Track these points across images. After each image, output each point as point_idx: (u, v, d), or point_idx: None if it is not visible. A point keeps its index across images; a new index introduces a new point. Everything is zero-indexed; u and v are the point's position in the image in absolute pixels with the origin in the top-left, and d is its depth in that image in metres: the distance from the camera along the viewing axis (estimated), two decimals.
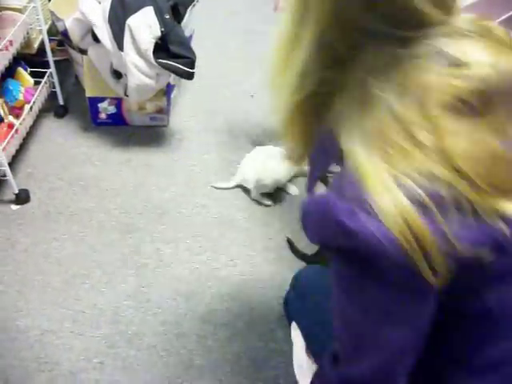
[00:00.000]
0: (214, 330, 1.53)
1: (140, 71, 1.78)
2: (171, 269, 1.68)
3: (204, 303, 1.59)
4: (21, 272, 1.63)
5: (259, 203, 1.90)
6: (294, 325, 1.32)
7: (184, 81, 2.03)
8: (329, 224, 0.61)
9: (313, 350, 1.21)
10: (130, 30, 1.75)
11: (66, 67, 2.28)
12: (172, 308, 1.57)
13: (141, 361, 1.44)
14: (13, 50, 1.76)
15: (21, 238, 1.73)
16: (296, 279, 1.38)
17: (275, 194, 1.92)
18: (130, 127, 2.13)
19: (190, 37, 2.15)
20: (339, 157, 0.65)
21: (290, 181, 1.95)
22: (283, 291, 1.61)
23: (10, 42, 1.73)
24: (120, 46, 1.78)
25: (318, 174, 0.77)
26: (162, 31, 1.73)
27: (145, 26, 1.74)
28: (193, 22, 2.10)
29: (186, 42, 1.82)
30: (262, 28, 2.91)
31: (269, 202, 1.90)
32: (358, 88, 0.65)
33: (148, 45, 1.74)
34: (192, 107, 2.27)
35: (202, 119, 2.22)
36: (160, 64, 1.77)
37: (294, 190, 1.95)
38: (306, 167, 0.80)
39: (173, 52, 1.78)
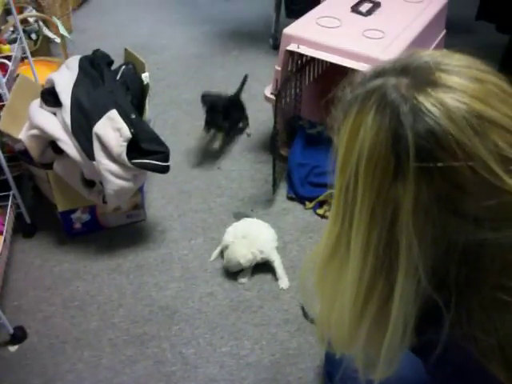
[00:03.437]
0: None
1: (116, 176, 1.72)
2: (200, 369, 1.61)
3: None
4: None
5: (263, 277, 1.88)
6: None
7: None
8: None
9: None
10: (99, 138, 1.69)
11: (19, 181, 2.14)
12: None
13: None
14: None
15: (32, 381, 1.58)
16: (330, 356, 1.34)
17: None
18: (107, 231, 2.03)
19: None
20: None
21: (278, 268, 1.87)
22: (316, 360, 1.61)
23: None
24: (90, 156, 1.71)
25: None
26: (131, 133, 1.69)
27: (113, 130, 1.69)
28: (150, 113, 2.07)
29: (155, 137, 1.78)
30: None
31: (243, 280, 1.87)
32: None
33: (120, 149, 1.69)
34: (163, 194, 2.21)
35: (177, 203, 2.17)
36: (136, 165, 1.72)
37: (284, 282, 1.85)
38: None
39: (145, 149, 1.75)
